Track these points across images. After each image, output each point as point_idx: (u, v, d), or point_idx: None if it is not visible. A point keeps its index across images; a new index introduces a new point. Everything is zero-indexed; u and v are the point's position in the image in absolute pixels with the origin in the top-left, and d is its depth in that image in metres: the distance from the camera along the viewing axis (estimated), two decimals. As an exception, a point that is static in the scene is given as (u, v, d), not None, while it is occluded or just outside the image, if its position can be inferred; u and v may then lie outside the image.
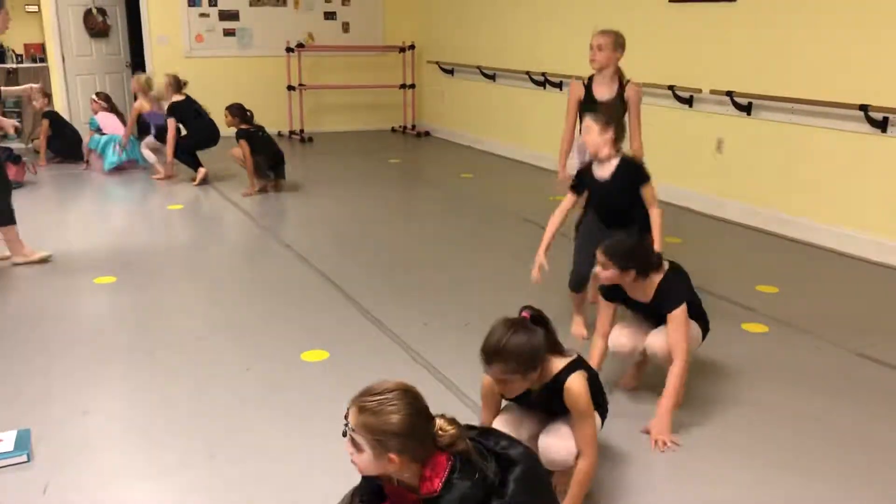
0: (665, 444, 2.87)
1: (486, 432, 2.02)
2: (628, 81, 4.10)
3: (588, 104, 4.03)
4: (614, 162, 3.49)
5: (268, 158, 6.89)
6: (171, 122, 7.08)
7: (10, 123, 5.13)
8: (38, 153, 8.13)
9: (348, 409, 1.85)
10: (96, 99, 7.94)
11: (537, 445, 2.46)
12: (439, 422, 1.88)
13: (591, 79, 4.14)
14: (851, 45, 5.10)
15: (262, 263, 5.06)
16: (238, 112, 6.76)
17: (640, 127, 4.06)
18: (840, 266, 5.04)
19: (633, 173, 3.50)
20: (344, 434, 1.85)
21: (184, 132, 7.29)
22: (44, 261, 4.93)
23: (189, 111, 7.17)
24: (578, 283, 3.85)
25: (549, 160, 7.27)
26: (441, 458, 1.84)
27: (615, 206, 3.59)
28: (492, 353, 2.26)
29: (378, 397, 1.82)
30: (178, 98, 7.16)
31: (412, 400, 1.84)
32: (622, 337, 3.11)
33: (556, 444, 2.41)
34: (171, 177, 7.31)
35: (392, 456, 1.80)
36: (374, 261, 5.11)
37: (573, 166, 4.05)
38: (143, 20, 9.50)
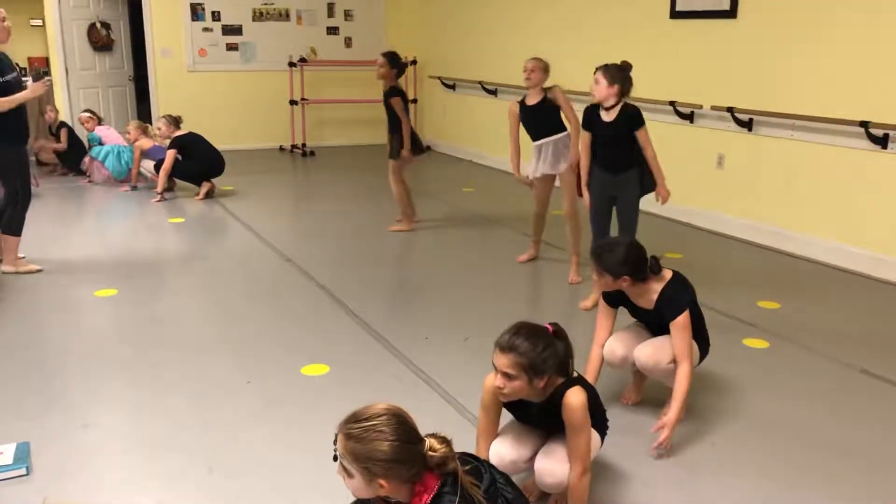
0: (661, 444, 2.82)
1: (487, 464, 2.02)
2: (549, 89, 4.87)
3: (523, 113, 4.97)
4: (618, 108, 4.17)
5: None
6: (170, 153, 7.11)
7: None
8: (44, 165, 8.16)
9: (336, 436, 1.84)
10: (92, 116, 8.01)
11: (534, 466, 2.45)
12: (430, 441, 1.86)
13: (524, 97, 5.00)
14: (852, 61, 5.12)
15: (263, 277, 5.06)
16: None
17: (573, 114, 4.85)
18: (841, 282, 5.04)
19: (631, 117, 4.16)
20: (335, 459, 1.85)
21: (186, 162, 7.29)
22: (31, 272, 4.97)
23: (192, 143, 7.22)
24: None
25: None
26: (431, 477, 1.83)
27: (616, 146, 4.23)
28: (507, 345, 2.26)
29: (364, 423, 1.81)
30: (180, 133, 7.22)
31: (398, 425, 1.82)
32: (615, 345, 3.11)
33: (553, 467, 2.40)
34: (163, 198, 7.21)
35: (381, 482, 1.80)
36: (375, 275, 5.11)
37: (534, 169, 4.98)
38: (147, 34, 9.55)
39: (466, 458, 1.98)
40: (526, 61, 4.92)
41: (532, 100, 4.94)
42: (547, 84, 4.93)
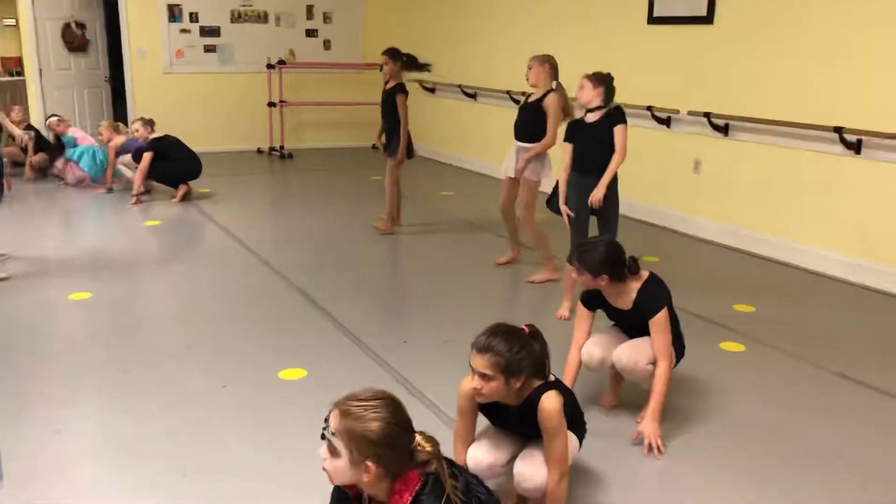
0: (657, 446, 2.89)
1: (460, 467, 2.01)
2: (548, 92, 4.83)
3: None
4: (602, 112, 4.23)
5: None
6: (146, 156, 7.02)
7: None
8: (20, 165, 8.07)
9: (329, 412, 1.83)
10: (61, 120, 7.93)
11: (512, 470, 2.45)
12: (418, 437, 1.87)
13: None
14: (827, 68, 5.19)
15: (241, 280, 5.03)
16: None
17: (553, 129, 4.85)
18: (816, 285, 5.09)
19: (614, 115, 4.23)
20: (323, 437, 1.83)
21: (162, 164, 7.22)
22: (2, 280, 4.86)
23: (169, 146, 7.14)
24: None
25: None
26: (413, 474, 1.83)
27: (599, 147, 4.24)
28: (484, 345, 2.27)
29: (363, 403, 1.81)
30: (156, 135, 7.16)
31: (395, 410, 1.83)
32: (593, 348, 3.12)
33: (531, 472, 2.40)
34: (139, 201, 7.14)
35: (368, 464, 1.78)
36: (353, 278, 5.09)
37: (504, 167, 5.05)
38: (123, 35, 9.46)
39: (453, 469, 1.96)
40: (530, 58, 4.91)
41: (533, 98, 4.94)
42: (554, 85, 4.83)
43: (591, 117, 4.29)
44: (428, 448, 1.86)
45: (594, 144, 4.27)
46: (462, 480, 1.92)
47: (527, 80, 4.90)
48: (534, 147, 4.85)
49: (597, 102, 4.22)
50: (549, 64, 4.85)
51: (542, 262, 5.06)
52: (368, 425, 1.78)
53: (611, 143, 4.21)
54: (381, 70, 5.97)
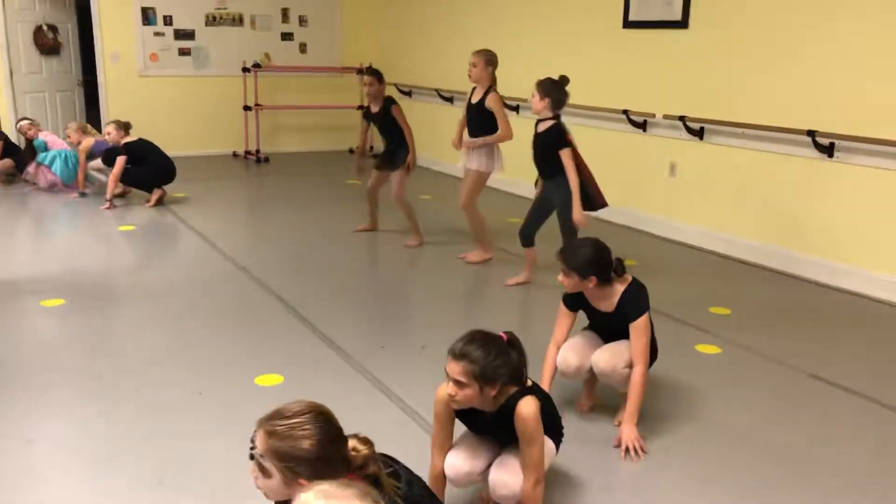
0: (636, 449, 2.90)
1: (403, 466, 1.97)
2: (488, 92, 5.06)
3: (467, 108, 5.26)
4: (549, 123, 4.58)
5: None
6: (120, 160, 6.91)
7: None
8: None
9: (255, 433, 1.78)
10: (32, 124, 7.82)
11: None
12: (352, 442, 1.81)
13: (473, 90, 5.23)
14: (800, 72, 5.25)
15: (216, 286, 4.98)
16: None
17: (504, 121, 5.08)
18: (790, 288, 5.14)
19: (556, 135, 4.54)
20: (251, 458, 1.78)
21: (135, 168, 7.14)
22: None
23: (143, 149, 7.06)
24: (521, 238, 4.98)
25: (508, 183, 7.33)
26: (352, 479, 1.76)
27: (543, 156, 4.64)
28: (460, 352, 2.25)
29: (288, 421, 1.75)
30: (130, 139, 7.06)
31: (324, 423, 1.76)
32: (569, 354, 3.12)
33: (506, 479, 2.38)
34: (113, 206, 7.06)
35: (302, 481, 1.71)
36: (330, 283, 5.07)
37: (468, 161, 5.26)
38: (96, 38, 9.35)
39: (386, 460, 1.93)
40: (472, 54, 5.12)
41: (475, 97, 5.15)
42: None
43: (540, 128, 4.62)
44: (364, 451, 1.80)
45: (538, 154, 4.67)
46: (405, 481, 1.89)
47: (469, 76, 5.11)
48: (487, 137, 5.09)
49: (546, 113, 4.57)
50: (493, 65, 5.09)
51: (479, 245, 5.46)
52: (297, 444, 1.72)
53: (553, 156, 4.54)
54: (364, 84, 5.91)
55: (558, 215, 4.70)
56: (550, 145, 4.54)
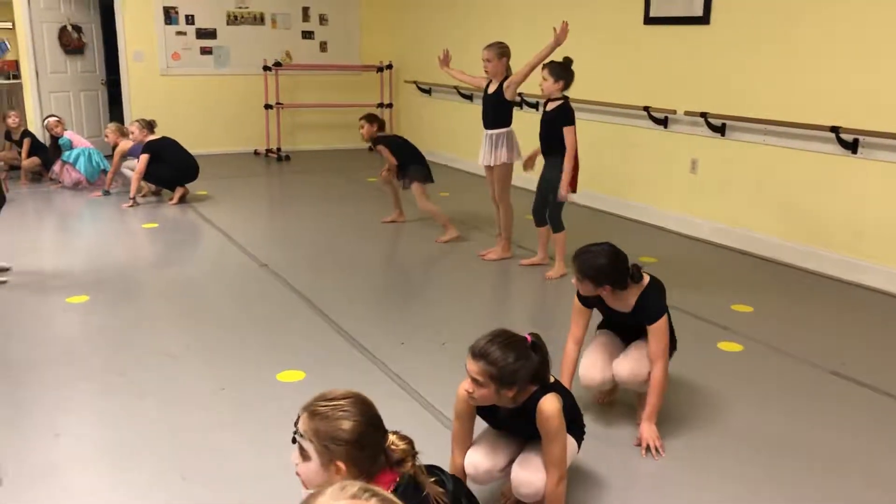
0: (656, 448, 2.90)
1: (453, 477, 1.97)
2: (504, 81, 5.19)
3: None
4: (558, 103, 4.89)
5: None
6: (142, 158, 6.99)
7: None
8: (15, 168, 8.06)
9: (298, 416, 1.81)
10: (59, 121, 7.90)
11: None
12: (392, 437, 1.83)
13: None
14: (823, 68, 5.19)
15: (238, 282, 5.02)
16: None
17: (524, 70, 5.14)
18: (813, 285, 5.10)
19: (563, 112, 4.86)
20: (293, 441, 1.81)
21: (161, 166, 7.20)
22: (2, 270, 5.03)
23: (166, 148, 7.12)
24: (534, 217, 5.27)
25: (526, 179, 7.31)
26: (387, 476, 1.79)
27: (548, 135, 4.95)
28: (479, 351, 2.25)
29: (331, 403, 1.78)
30: (153, 137, 7.13)
31: (365, 408, 1.79)
32: (591, 370, 3.08)
33: (529, 477, 2.39)
34: (136, 204, 7.12)
35: (339, 464, 1.74)
36: (351, 280, 5.09)
37: (485, 157, 5.32)
38: (119, 38, 9.45)
39: (433, 470, 1.93)
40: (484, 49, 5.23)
41: (491, 88, 5.27)
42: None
43: (551, 105, 4.93)
44: (402, 446, 1.82)
45: (544, 132, 4.99)
46: (451, 487, 1.88)
47: (486, 71, 5.25)
48: (510, 131, 5.26)
49: (556, 95, 4.88)
50: (507, 56, 5.22)
51: (502, 241, 5.51)
52: (337, 424, 1.74)
53: (558, 135, 4.85)
54: (362, 130, 6.26)
55: (541, 187, 5.09)
56: (560, 122, 4.84)
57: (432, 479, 1.86)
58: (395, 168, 6.10)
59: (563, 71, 4.85)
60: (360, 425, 1.75)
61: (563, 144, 4.86)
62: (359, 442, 1.75)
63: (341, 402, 1.78)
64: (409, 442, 1.84)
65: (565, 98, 4.92)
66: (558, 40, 4.94)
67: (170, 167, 7.16)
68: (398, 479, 1.79)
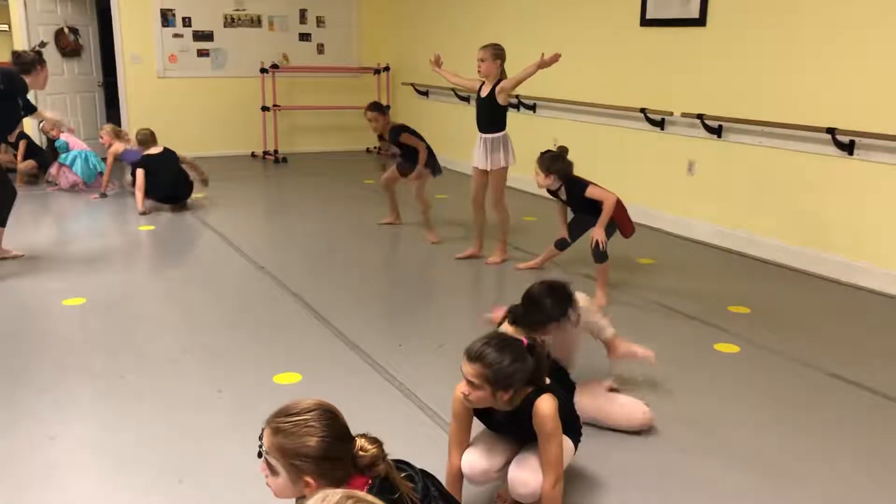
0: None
1: (423, 473, 1.93)
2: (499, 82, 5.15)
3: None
4: (559, 185, 4.68)
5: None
6: (139, 173, 6.90)
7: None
8: (12, 171, 8.05)
9: (262, 430, 1.78)
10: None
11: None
12: (360, 441, 1.79)
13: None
14: (819, 69, 5.21)
15: (235, 284, 5.02)
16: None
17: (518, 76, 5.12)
18: (810, 287, 5.10)
19: (574, 189, 4.63)
20: (259, 455, 1.78)
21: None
22: (16, 258, 5.35)
23: (159, 164, 6.93)
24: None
25: (523, 181, 7.32)
26: (359, 480, 1.76)
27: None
28: (475, 354, 2.25)
29: (294, 418, 1.74)
30: (152, 151, 7.02)
31: (330, 421, 1.75)
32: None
33: (525, 477, 2.38)
34: (146, 212, 7.04)
35: (308, 479, 1.71)
36: (348, 282, 5.09)
37: (479, 159, 5.29)
38: (117, 40, 9.44)
39: (401, 465, 1.91)
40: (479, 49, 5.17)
41: (484, 91, 5.20)
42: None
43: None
44: (372, 450, 1.78)
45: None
46: (420, 486, 1.86)
47: (479, 71, 5.17)
48: (505, 135, 5.24)
49: (555, 185, 4.67)
50: (501, 59, 5.14)
51: (499, 244, 5.44)
52: (302, 441, 1.70)
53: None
54: (368, 120, 5.95)
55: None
56: (580, 192, 4.60)
57: (402, 475, 1.84)
58: (416, 156, 5.86)
59: (552, 163, 4.60)
60: (326, 440, 1.72)
61: (596, 203, 4.56)
62: (326, 457, 1.71)
63: (305, 417, 1.73)
64: (379, 444, 1.80)
65: (565, 181, 4.65)
66: (542, 65, 4.89)
67: (157, 184, 6.95)
68: (370, 483, 1.76)
